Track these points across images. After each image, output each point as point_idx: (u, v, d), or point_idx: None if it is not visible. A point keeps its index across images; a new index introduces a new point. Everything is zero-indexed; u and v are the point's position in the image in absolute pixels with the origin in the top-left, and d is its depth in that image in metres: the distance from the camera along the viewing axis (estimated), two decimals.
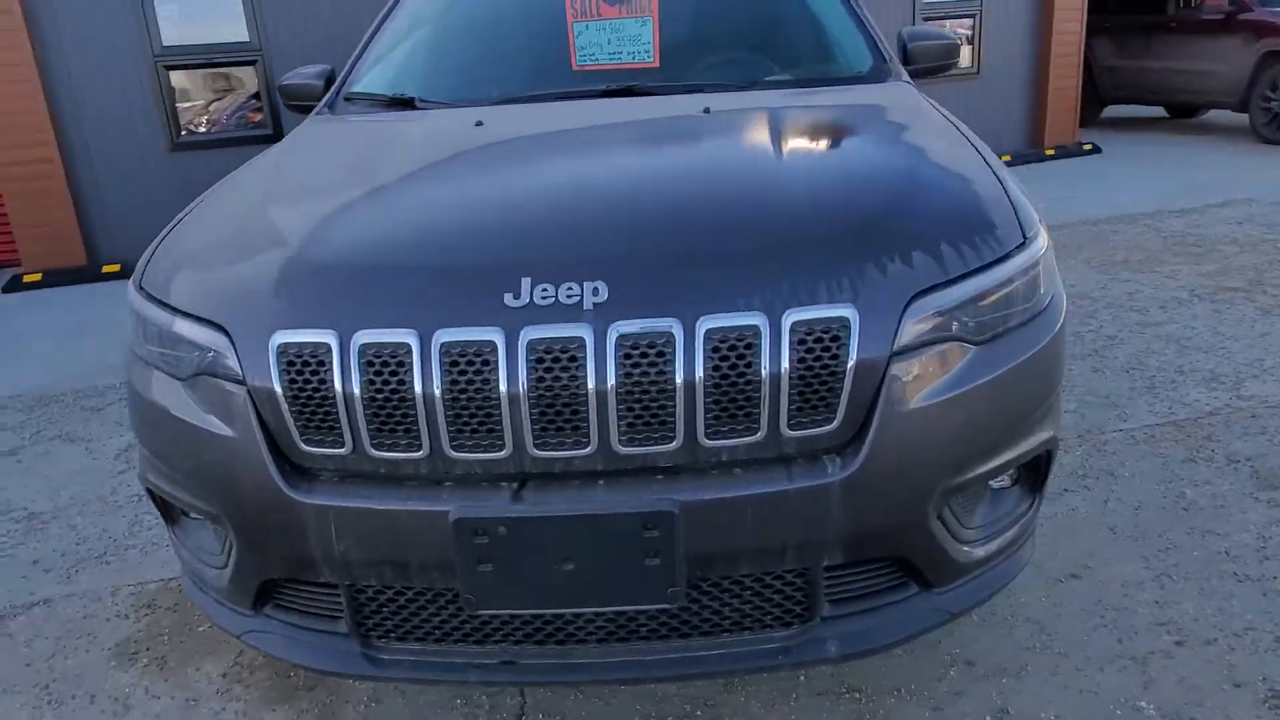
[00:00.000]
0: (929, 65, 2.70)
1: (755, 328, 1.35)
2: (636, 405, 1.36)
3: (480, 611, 1.41)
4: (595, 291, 1.37)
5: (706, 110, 2.08)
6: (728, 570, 1.44)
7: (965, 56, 8.65)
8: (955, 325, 1.45)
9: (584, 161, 1.81)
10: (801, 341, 1.36)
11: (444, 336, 1.36)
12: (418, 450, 1.39)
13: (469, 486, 1.41)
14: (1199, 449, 2.91)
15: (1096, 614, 2.15)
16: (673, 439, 1.38)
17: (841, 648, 1.49)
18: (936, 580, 1.55)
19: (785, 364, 1.35)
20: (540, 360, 1.35)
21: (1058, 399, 1.65)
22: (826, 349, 1.37)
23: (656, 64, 2.74)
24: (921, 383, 1.42)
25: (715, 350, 1.35)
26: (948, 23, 8.50)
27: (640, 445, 1.38)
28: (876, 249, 1.44)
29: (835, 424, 1.39)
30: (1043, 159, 8.70)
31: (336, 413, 1.39)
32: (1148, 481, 2.73)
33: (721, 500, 1.37)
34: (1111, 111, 11.63)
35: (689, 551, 1.39)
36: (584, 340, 1.34)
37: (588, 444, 1.37)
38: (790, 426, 1.38)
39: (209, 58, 6.46)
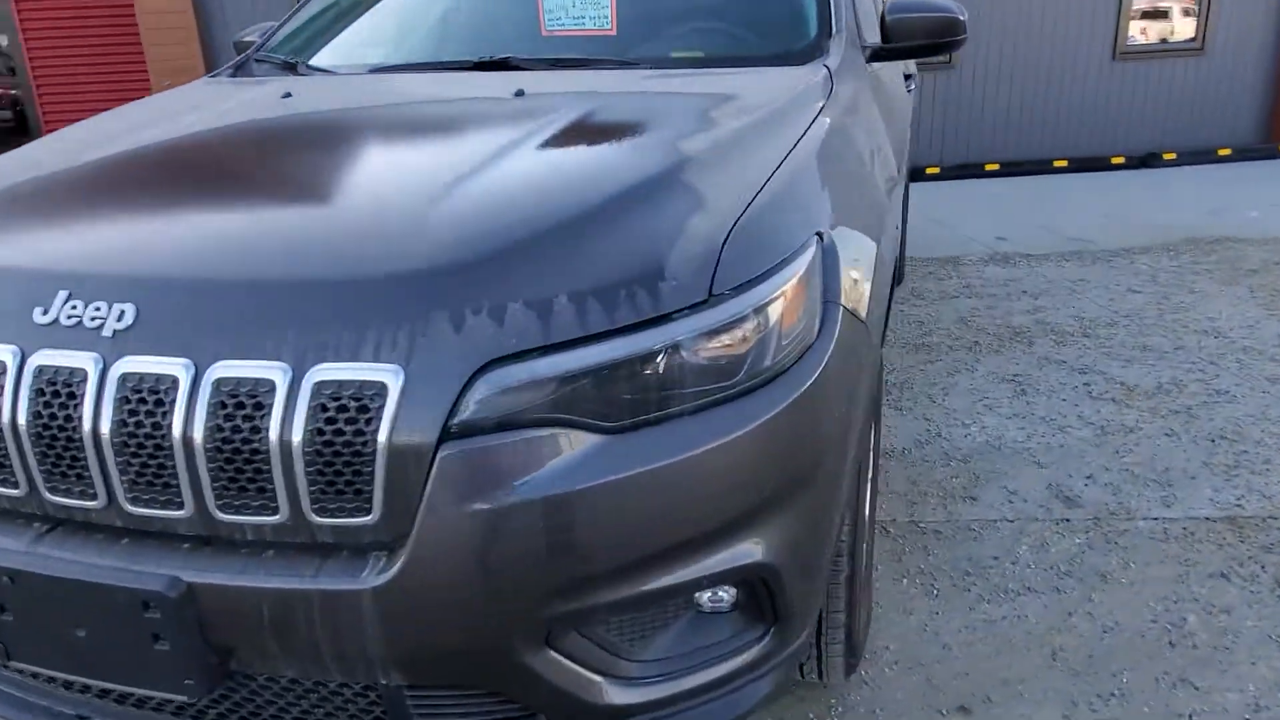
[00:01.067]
0: (916, 43, 2.17)
1: (270, 382, 1.07)
2: (135, 460, 1.11)
3: (12, 663, 1.24)
4: (121, 316, 1.13)
5: (519, 93, 1.75)
6: (271, 669, 1.18)
7: (1187, 29, 7.33)
8: (566, 404, 1.08)
9: (253, 153, 1.54)
10: (323, 407, 1.06)
11: None
12: None
13: (2, 522, 1.23)
14: (1245, 561, 2.23)
15: None
16: (182, 506, 1.12)
17: None
18: None
19: (299, 432, 1.06)
20: (41, 392, 1.13)
21: (788, 509, 1.22)
22: (353, 420, 1.05)
23: (614, 32, 2.43)
24: (503, 475, 1.06)
25: (222, 405, 1.08)
26: None
27: (148, 507, 1.14)
28: (458, 297, 1.08)
29: (375, 516, 1.08)
30: (1274, 156, 7.26)
31: None
32: (1146, 595, 2.11)
33: (234, 588, 1.10)
34: None
35: (212, 640, 1.14)
36: (86, 374, 1.11)
37: (96, 496, 1.15)
38: (316, 511, 1.09)
39: None
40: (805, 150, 1.48)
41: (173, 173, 1.48)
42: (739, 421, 1.14)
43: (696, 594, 1.24)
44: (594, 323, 1.08)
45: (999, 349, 3.66)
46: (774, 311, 1.19)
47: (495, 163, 1.36)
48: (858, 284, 1.36)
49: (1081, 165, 7.23)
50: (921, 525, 2.44)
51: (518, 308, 1.08)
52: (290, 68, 2.29)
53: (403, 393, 1.04)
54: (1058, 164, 7.24)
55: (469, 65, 2.12)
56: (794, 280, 1.22)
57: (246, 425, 1.07)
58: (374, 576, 1.08)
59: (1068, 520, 2.43)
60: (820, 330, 1.26)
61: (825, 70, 1.88)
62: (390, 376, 1.05)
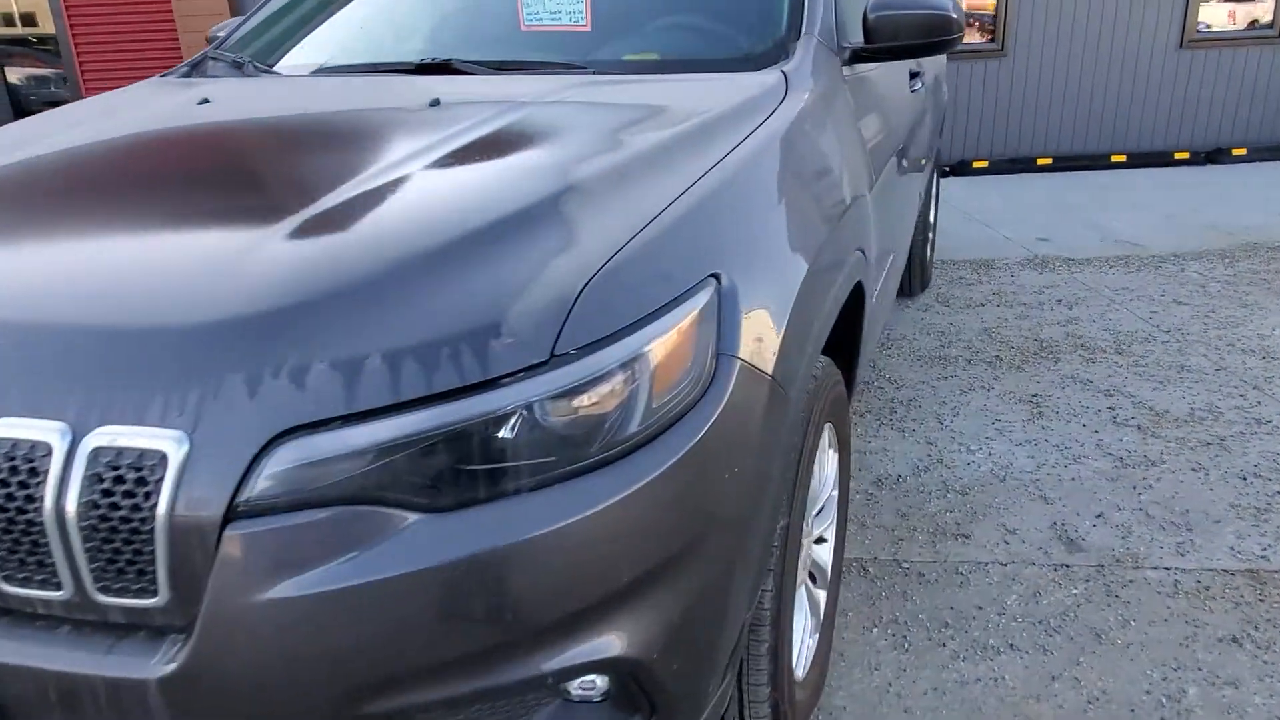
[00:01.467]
0: (902, 43, 1.97)
1: (47, 446, 0.95)
2: None
3: None
4: None
5: (434, 103, 1.60)
6: None
7: (1265, 12, 6.83)
8: (375, 480, 0.94)
9: (107, 177, 1.41)
10: (98, 476, 0.93)
11: None
12: None
13: None
14: (1261, 624, 1.99)
15: None
16: None
17: None
18: None
19: (73, 503, 0.94)
20: None
21: (661, 592, 1.07)
22: (131, 493, 0.93)
23: (589, 28, 2.29)
24: (298, 560, 0.93)
25: None
26: None
27: None
28: (255, 355, 0.95)
29: (163, 598, 0.96)
30: None
31: None
32: (1143, 660, 1.90)
33: (19, 668, 1.00)
34: None
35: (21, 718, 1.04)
36: None
37: None
38: (100, 590, 0.97)
39: None
40: (722, 174, 1.31)
41: (29, 197, 1.37)
42: (587, 499, 0.99)
43: (561, 684, 1.09)
44: (407, 388, 0.94)
45: (1021, 365, 3.41)
46: (642, 370, 1.03)
47: (350, 194, 1.22)
48: (764, 335, 1.19)
49: (1142, 160, 6.82)
50: (904, 565, 2.25)
51: (321, 369, 0.94)
52: (239, 67, 2.19)
53: (185, 463, 0.92)
54: (1115, 159, 6.84)
55: (410, 68, 1.98)
56: (672, 332, 1.06)
57: (21, 493, 0.95)
58: (161, 665, 0.96)
59: (1067, 566, 2.22)
60: (707, 390, 1.09)
61: (780, 76, 1.70)
62: (172, 444, 0.92)
